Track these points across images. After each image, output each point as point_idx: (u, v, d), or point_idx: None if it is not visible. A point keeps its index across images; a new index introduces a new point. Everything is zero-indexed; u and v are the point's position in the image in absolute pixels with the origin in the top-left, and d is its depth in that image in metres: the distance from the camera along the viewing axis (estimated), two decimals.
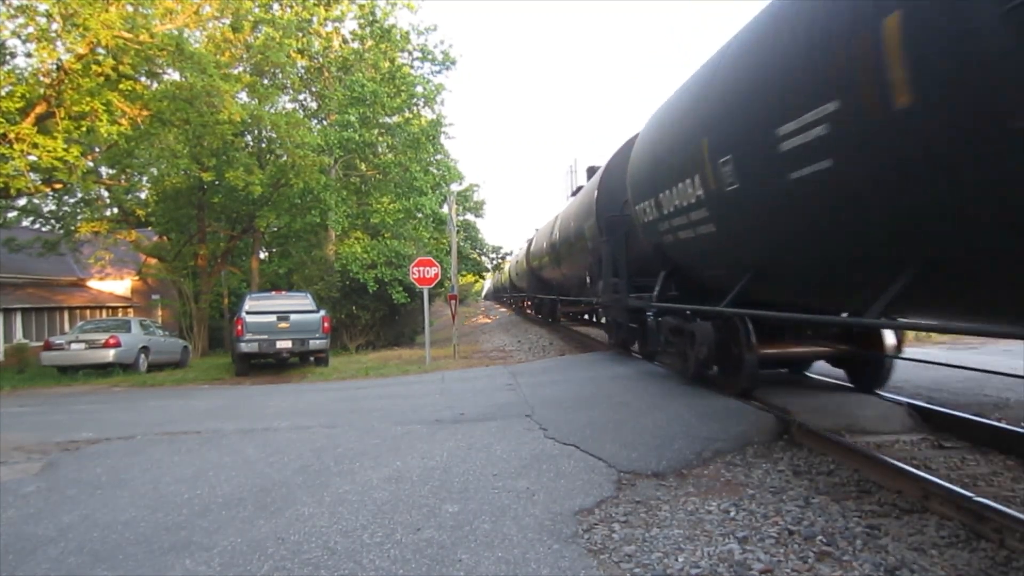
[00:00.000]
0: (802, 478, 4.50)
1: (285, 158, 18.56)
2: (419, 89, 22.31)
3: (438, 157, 23.55)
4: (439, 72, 24.30)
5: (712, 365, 7.24)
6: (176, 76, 15.27)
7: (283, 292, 16.97)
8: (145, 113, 14.30)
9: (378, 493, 4.46)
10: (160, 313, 27.65)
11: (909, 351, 7.22)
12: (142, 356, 15.70)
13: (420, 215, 22.07)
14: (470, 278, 51.85)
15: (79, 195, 20.02)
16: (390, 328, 23.37)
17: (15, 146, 12.04)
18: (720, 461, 4.97)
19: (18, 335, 21.04)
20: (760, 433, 5.55)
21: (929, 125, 3.25)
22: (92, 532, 3.95)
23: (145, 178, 21.21)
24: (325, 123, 22.34)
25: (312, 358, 14.89)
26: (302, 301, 15.13)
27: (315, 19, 21.89)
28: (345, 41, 23.62)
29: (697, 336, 7.19)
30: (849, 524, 3.61)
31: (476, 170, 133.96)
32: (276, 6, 20.49)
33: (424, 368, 13.20)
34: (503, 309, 47.03)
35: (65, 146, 12.40)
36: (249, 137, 21.03)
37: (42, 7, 12.60)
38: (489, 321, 35.44)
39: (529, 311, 29.33)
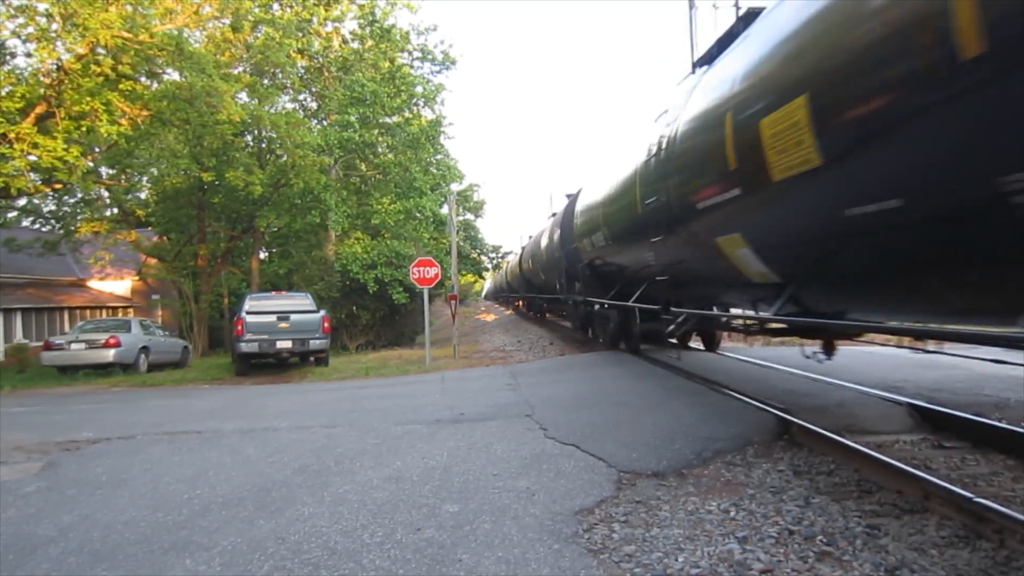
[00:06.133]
0: (802, 478, 4.50)
1: (285, 158, 18.54)
2: (419, 89, 22.32)
3: (438, 157, 23.58)
4: (439, 72, 24.37)
5: (621, 338, 11.54)
6: (176, 76, 15.26)
7: (283, 292, 16.97)
8: (145, 113, 14.27)
9: (378, 493, 4.46)
10: (160, 313, 27.58)
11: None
12: (142, 356, 15.68)
13: (420, 216, 22.09)
14: (470, 278, 51.89)
15: (79, 195, 19.94)
16: (390, 328, 23.37)
17: (15, 146, 12.02)
18: (720, 461, 4.97)
19: (18, 335, 21.01)
20: (760, 433, 5.55)
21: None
22: (92, 532, 3.95)
23: (145, 178, 21.18)
24: (325, 123, 22.32)
25: (312, 358, 14.89)
26: (302, 301, 15.12)
27: (315, 19, 21.88)
28: (345, 41, 23.62)
29: (610, 319, 11.75)
30: (849, 524, 3.61)
31: (476, 169, 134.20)
32: (276, 6, 20.48)
33: (424, 368, 13.21)
34: (503, 309, 47.01)
35: (65, 146, 12.37)
36: (249, 137, 20.99)
37: (42, 7, 12.59)
38: (489, 321, 35.43)
39: (524, 309, 32.45)
